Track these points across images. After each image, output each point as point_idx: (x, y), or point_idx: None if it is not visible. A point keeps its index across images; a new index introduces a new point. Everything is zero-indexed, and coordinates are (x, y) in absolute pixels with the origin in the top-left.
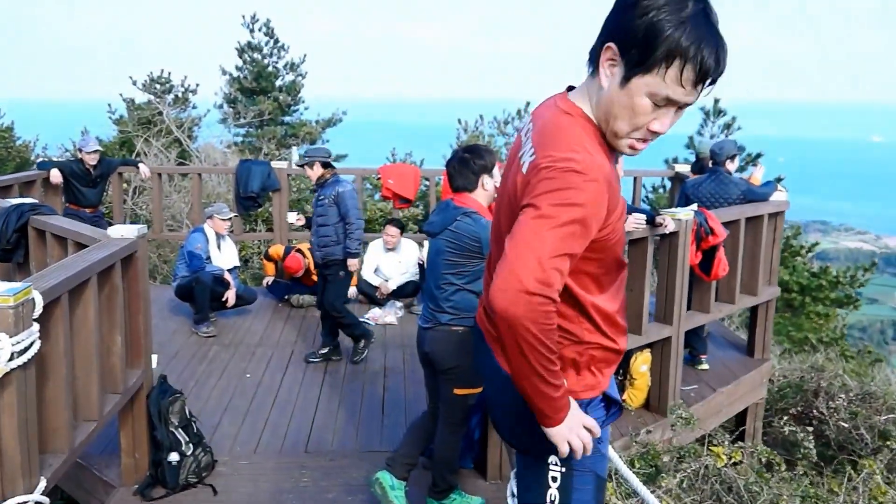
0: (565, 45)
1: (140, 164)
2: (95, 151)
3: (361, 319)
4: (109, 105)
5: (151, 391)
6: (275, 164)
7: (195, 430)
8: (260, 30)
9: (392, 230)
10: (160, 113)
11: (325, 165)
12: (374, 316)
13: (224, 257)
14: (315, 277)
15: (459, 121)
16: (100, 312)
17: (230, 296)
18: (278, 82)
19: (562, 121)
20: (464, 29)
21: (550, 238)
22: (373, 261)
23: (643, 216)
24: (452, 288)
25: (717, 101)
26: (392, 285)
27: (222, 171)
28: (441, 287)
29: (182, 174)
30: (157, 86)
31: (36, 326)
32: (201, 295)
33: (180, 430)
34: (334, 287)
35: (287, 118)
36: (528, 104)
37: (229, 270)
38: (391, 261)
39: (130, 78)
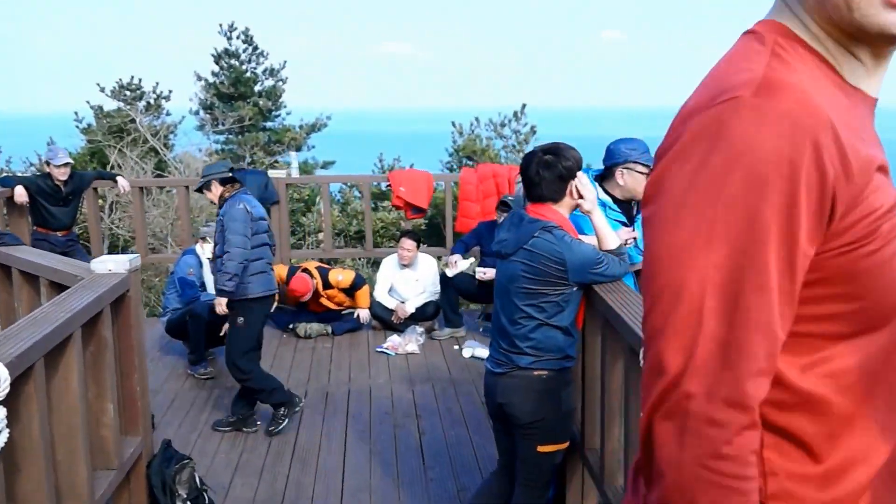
0: (536, 56)
1: (118, 178)
2: (66, 164)
3: (379, 349)
4: (76, 113)
5: (153, 460)
6: (272, 173)
7: (207, 501)
8: (238, 37)
9: (408, 243)
10: (132, 121)
11: (224, 182)
12: (394, 344)
13: None
14: (324, 301)
15: (454, 124)
16: (84, 376)
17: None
18: (257, 87)
19: (733, 47)
20: (432, 45)
21: (720, 275)
22: (386, 279)
23: None
24: (533, 323)
25: None
26: (409, 307)
27: None
28: (517, 322)
29: (161, 187)
30: (127, 92)
31: (2, 413)
32: (196, 331)
33: (189, 502)
34: (233, 338)
35: (269, 124)
36: (524, 106)
37: None
38: (407, 279)
39: (98, 85)
